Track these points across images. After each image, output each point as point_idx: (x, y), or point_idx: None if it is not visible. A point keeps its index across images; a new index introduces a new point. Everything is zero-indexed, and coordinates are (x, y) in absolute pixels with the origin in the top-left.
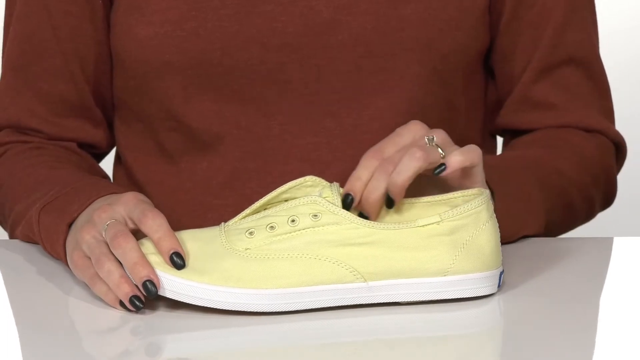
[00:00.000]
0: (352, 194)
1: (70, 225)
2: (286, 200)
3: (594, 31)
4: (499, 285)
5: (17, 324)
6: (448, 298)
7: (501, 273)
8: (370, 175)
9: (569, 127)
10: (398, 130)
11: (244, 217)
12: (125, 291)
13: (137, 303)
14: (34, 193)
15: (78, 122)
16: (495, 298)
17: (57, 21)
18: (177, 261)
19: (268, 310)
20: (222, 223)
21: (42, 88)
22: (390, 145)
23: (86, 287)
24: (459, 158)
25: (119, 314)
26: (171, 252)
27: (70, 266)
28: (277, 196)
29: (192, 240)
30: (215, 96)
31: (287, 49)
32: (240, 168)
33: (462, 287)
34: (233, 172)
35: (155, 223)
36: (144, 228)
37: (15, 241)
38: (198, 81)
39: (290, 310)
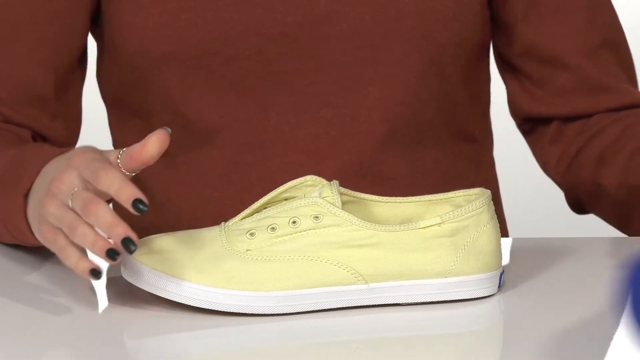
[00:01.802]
0: None
1: (25, 196)
2: (286, 199)
3: (613, 8)
4: (499, 286)
5: (14, 325)
6: (448, 299)
7: (501, 274)
8: None
9: (631, 108)
10: None
11: (244, 218)
12: (99, 245)
13: (114, 255)
14: None
15: (36, 111)
16: (495, 298)
17: (36, 4)
18: (140, 207)
19: (269, 312)
20: (222, 223)
21: (5, 71)
22: None
23: (84, 286)
24: None
25: (118, 314)
26: (132, 199)
27: (40, 240)
28: (276, 196)
29: (192, 240)
30: (214, 87)
31: (285, 40)
32: (238, 160)
33: (463, 289)
34: (231, 165)
35: (108, 177)
36: (101, 187)
37: None
38: (197, 72)
39: (291, 312)
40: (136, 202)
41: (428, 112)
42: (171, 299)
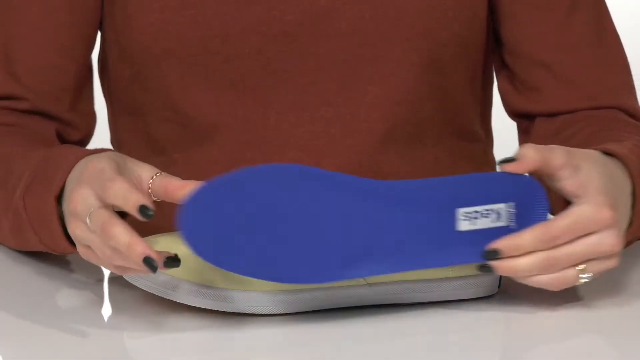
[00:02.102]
0: (500, 252)
1: (57, 199)
2: None
3: (603, 8)
4: (498, 286)
5: (14, 325)
6: (448, 299)
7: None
8: (529, 249)
9: (606, 108)
10: (582, 218)
11: None
12: (137, 262)
13: (153, 264)
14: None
15: (58, 101)
16: (495, 298)
17: None
18: (147, 212)
19: (269, 313)
20: None
21: (29, 60)
22: (568, 234)
23: (84, 286)
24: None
25: (118, 314)
26: (137, 206)
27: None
28: None
29: None
30: (213, 85)
31: (285, 38)
32: (237, 158)
33: (463, 289)
34: (230, 163)
35: (114, 189)
36: (109, 200)
37: None
38: (196, 69)
39: (291, 312)
40: (142, 209)
41: (428, 111)
42: (171, 299)
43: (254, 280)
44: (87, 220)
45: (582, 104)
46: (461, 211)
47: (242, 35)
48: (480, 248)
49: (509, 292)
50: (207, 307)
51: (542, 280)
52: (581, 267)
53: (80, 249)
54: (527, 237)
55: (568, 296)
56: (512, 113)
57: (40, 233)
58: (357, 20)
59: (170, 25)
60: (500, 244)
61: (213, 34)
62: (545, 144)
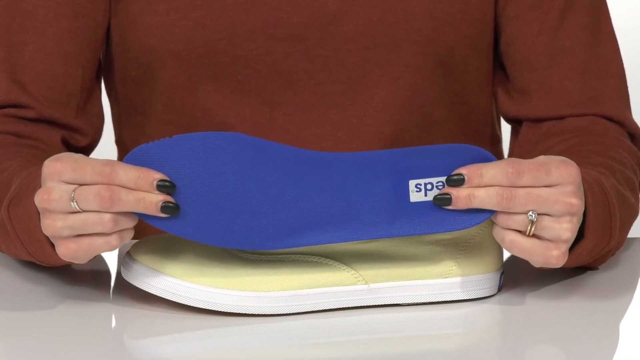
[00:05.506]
0: (465, 177)
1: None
2: None
3: (601, 10)
4: (499, 286)
5: (14, 325)
6: (448, 300)
7: (501, 274)
8: (491, 182)
9: (592, 116)
10: (549, 163)
11: None
12: (152, 206)
13: (172, 206)
14: None
15: (64, 107)
16: (495, 298)
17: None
18: (167, 185)
19: (269, 313)
20: None
21: (34, 67)
22: (533, 173)
23: (84, 286)
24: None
25: (118, 314)
26: (156, 181)
27: (65, 259)
28: None
29: (193, 241)
30: (220, 86)
31: (292, 40)
32: None
33: (463, 289)
34: None
35: (121, 171)
36: (117, 182)
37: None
38: (203, 71)
39: (291, 312)
40: (162, 183)
41: (438, 113)
42: (171, 299)
43: (253, 281)
44: (72, 204)
45: (568, 110)
46: (414, 182)
47: (248, 36)
48: (432, 220)
49: (509, 292)
50: (206, 308)
51: (499, 221)
52: (532, 215)
53: (62, 248)
54: (492, 165)
55: (568, 297)
56: (504, 116)
57: (25, 242)
58: (364, 23)
59: (177, 27)
60: (465, 169)
61: (220, 36)
62: (526, 152)
